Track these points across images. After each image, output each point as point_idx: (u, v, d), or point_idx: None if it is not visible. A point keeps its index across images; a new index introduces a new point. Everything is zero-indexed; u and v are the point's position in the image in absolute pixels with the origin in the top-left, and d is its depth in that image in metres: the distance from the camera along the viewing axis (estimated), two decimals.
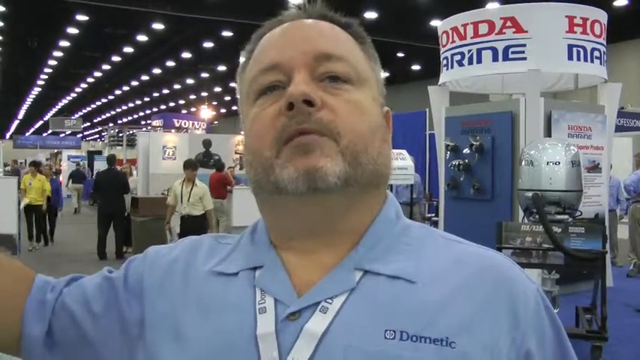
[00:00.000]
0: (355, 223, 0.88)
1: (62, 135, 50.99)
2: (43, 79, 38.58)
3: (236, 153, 17.57)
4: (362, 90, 0.88)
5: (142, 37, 26.53)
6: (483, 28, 9.28)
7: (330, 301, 0.81)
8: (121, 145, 27.99)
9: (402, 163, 10.15)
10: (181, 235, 10.01)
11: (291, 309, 0.81)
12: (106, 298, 0.95)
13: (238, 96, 0.98)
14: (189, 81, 39.22)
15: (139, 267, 0.98)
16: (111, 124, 45.07)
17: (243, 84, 0.95)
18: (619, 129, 13.10)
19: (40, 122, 62.30)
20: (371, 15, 19.99)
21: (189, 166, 10.47)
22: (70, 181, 26.48)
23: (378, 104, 0.92)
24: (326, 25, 0.92)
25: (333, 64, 0.87)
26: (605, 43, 9.52)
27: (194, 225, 9.87)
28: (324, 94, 0.84)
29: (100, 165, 25.12)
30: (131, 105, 52.91)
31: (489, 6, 15.54)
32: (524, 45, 8.94)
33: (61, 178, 31.95)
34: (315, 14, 0.94)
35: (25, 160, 48.65)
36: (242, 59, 0.98)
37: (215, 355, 0.82)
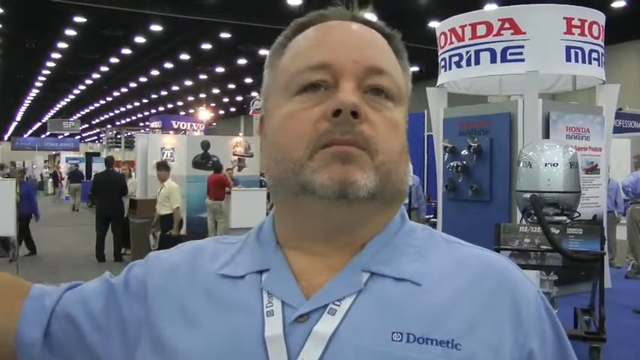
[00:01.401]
0: (368, 232, 0.88)
1: (60, 137, 51.05)
2: (41, 81, 38.58)
3: (234, 155, 17.54)
4: (399, 108, 0.90)
5: (140, 39, 26.54)
6: (481, 30, 9.28)
7: (338, 303, 0.82)
8: (120, 147, 28.00)
9: None
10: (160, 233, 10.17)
11: (300, 311, 0.82)
12: (106, 300, 0.96)
13: (268, 81, 0.95)
14: (188, 82, 39.26)
15: (140, 271, 0.98)
16: (109, 126, 45.08)
17: (279, 72, 0.92)
18: (617, 130, 13.09)
19: (39, 124, 62.30)
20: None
21: (159, 167, 10.63)
22: (69, 181, 27.67)
23: (406, 121, 0.93)
24: (374, 34, 0.92)
25: (381, 80, 0.87)
26: (603, 44, 9.52)
27: (164, 223, 9.99)
28: (367, 107, 0.85)
29: (98, 167, 25.19)
30: (129, 107, 52.93)
31: (487, 7, 15.56)
32: (522, 46, 8.94)
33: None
34: (359, 17, 0.94)
35: (23, 163, 48.77)
36: (276, 44, 0.95)
37: (223, 357, 0.82)
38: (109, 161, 13.83)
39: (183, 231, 14.62)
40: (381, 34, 0.93)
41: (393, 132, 0.86)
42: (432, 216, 12.84)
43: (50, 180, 37.66)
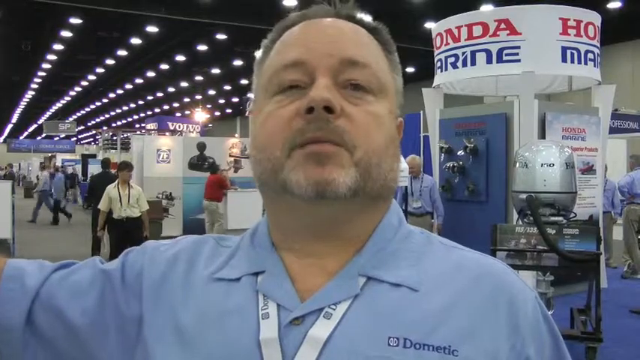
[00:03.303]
0: (359, 230, 0.87)
1: (56, 139, 50.93)
2: (37, 83, 38.49)
3: (230, 156, 17.55)
4: (382, 101, 0.87)
5: (135, 40, 26.49)
6: (477, 31, 9.29)
7: (333, 307, 0.81)
8: (115, 149, 27.91)
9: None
10: (120, 239, 9.79)
11: (295, 314, 0.81)
12: (100, 292, 0.94)
13: (254, 86, 0.95)
14: (184, 84, 39.21)
15: (136, 261, 0.96)
16: (105, 128, 45.01)
17: (261, 75, 0.92)
18: (613, 131, 13.10)
19: (34, 126, 62.22)
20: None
21: (126, 167, 10.41)
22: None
23: (394, 116, 0.90)
24: (354, 28, 0.90)
25: (358, 72, 0.85)
26: (598, 45, 9.54)
27: (134, 227, 9.79)
28: (344, 101, 0.83)
29: (95, 168, 25.20)
30: (125, 108, 52.87)
31: (483, 8, 15.56)
32: (518, 47, 8.95)
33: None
34: (343, 13, 0.92)
35: (19, 164, 48.73)
36: (262, 48, 0.95)
37: None
38: (106, 163, 13.78)
39: (178, 232, 14.66)
40: (365, 28, 0.92)
41: (373, 125, 0.84)
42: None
43: None
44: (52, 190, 21.68)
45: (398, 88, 0.93)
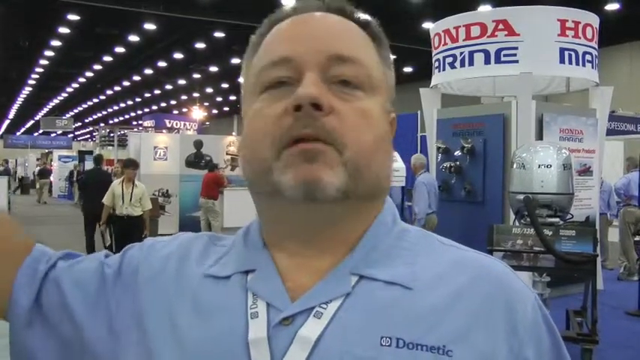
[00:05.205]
0: (351, 231, 0.85)
1: (53, 135, 50.84)
2: (34, 79, 38.46)
3: (227, 154, 17.54)
4: (373, 98, 0.84)
5: (133, 37, 26.50)
6: (475, 31, 9.29)
7: (324, 306, 0.79)
8: (112, 146, 27.84)
9: (393, 165, 10.09)
10: (119, 235, 9.83)
11: (284, 314, 0.79)
12: (98, 284, 0.94)
13: (242, 82, 0.93)
14: (181, 81, 39.20)
15: (134, 258, 0.96)
16: (102, 124, 44.96)
17: (250, 71, 0.90)
18: (610, 132, 13.13)
19: (31, 122, 62.12)
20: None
21: (131, 165, 10.42)
22: (38, 177, 32.15)
23: (386, 113, 0.88)
24: (343, 22, 0.88)
25: (347, 68, 0.83)
26: (596, 46, 9.56)
27: (134, 225, 9.80)
28: (333, 98, 0.80)
29: (91, 165, 25.29)
30: (122, 105, 52.84)
31: (481, 8, 15.58)
32: (516, 48, 8.96)
33: (51, 178, 32.76)
34: (333, 7, 0.89)
35: (16, 160, 48.64)
36: (250, 44, 0.93)
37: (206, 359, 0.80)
38: (98, 159, 13.69)
39: (175, 229, 14.65)
40: (355, 22, 0.89)
41: (363, 123, 0.81)
42: None
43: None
44: None
45: (390, 83, 0.91)
